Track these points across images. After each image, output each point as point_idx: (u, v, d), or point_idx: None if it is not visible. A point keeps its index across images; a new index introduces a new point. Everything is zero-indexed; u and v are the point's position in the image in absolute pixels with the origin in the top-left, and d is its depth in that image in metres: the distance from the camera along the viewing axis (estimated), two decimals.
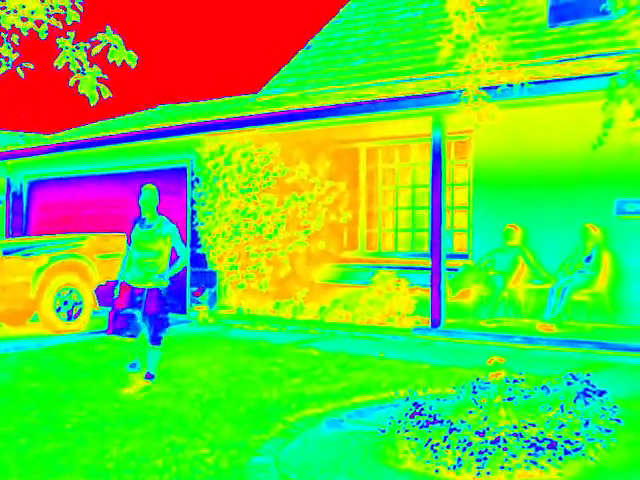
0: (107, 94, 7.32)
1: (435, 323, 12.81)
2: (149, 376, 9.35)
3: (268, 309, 15.09)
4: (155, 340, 9.30)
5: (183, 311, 16.14)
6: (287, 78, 17.83)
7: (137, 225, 9.44)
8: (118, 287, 9.34)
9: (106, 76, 7.33)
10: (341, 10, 19.27)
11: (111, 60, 7.13)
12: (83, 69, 7.23)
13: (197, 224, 15.68)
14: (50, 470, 6.36)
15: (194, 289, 16.09)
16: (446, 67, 8.94)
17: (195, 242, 15.88)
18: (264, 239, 14.91)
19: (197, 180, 15.77)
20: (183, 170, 16.53)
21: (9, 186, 20.08)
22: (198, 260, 15.88)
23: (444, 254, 12.89)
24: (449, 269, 13.11)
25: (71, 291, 14.25)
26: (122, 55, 7.13)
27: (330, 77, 16.75)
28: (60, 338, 13.39)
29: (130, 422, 7.80)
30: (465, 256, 14.48)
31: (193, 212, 15.86)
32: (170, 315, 9.50)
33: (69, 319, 14.17)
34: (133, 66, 7.13)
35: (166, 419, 7.90)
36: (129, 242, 9.51)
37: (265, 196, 14.92)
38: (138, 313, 9.17)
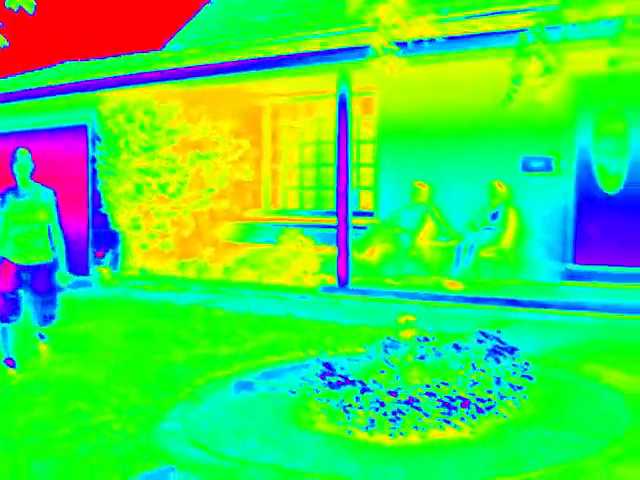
0: (3, 42, 7.02)
1: (342, 282, 12.76)
2: (41, 336, 8.74)
3: (172, 270, 14.87)
4: (45, 320, 8.64)
5: (85, 273, 15.78)
6: (190, 34, 17.48)
7: (11, 196, 8.44)
8: None
9: (1, 23, 7.02)
10: None
11: (8, 6, 6.81)
12: None
13: (99, 183, 15.27)
14: None
15: (96, 250, 15.73)
16: (354, 22, 8.81)
17: (98, 202, 15.49)
18: (167, 198, 14.64)
19: (98, 138, 15.35)
20: (84, 128, 16.07)
21: None
22: (101, 220, 15.51)
23: (350, 212, 12.82)
24: (355, 227, 13.05)
25: None
26: (19, 1, 6.81)
27: (233, 33, 16.43)
28: None
29: (33, 390, 7.56)
30: (371, 214, 14.44)
31: (95, 171, 15.44)
32: (71, 277, 9.07)
33: None
34: (31, 12, 6.83)
35: (70, 385, 7.67)
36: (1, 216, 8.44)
37: (168, 154, 14.62)
38: (26, 294, 8.49)
